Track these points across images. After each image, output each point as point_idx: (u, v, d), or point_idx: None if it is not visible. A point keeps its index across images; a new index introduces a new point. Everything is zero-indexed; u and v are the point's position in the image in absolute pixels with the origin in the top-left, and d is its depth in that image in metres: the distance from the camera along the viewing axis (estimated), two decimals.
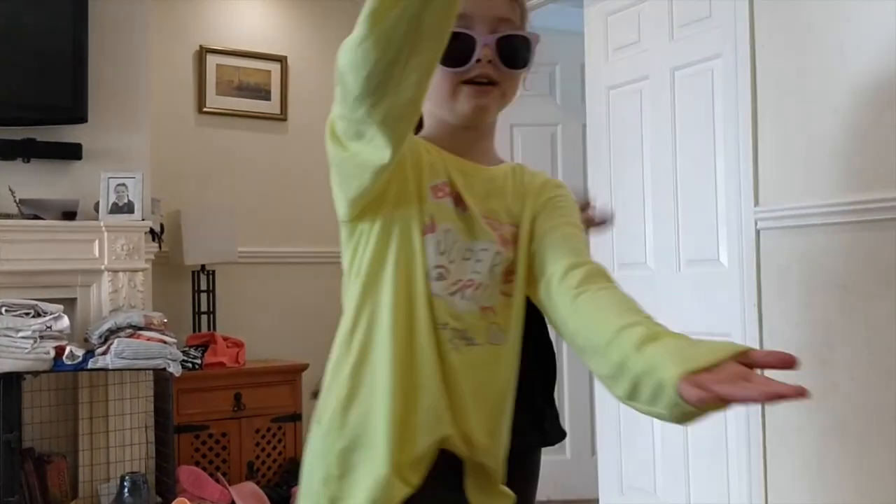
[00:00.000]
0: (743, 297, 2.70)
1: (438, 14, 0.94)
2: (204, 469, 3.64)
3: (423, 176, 1.14)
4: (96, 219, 3.47)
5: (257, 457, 3.81)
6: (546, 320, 1.19)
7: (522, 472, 2.10)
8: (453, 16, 0.97)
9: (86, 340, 3.34)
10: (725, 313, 2.78)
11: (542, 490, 2.27)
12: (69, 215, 3.42)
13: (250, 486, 3.60)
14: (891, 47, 2.29)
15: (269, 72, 4.47)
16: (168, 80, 4.18)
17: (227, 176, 4.34)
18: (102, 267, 3.47)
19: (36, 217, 3.38)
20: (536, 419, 2.06)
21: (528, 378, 2.05)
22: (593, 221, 1.89)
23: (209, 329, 4.11)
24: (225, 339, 3.98)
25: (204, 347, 3.90)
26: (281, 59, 4.48)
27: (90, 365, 3.16)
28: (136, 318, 3.30)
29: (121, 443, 3.47)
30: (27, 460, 3.25)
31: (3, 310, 3.07)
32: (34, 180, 3.48)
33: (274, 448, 3.86)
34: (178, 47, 4.27)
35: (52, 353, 3.10)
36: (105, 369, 3.20)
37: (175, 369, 3.26)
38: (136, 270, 3.53)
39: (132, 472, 3.37)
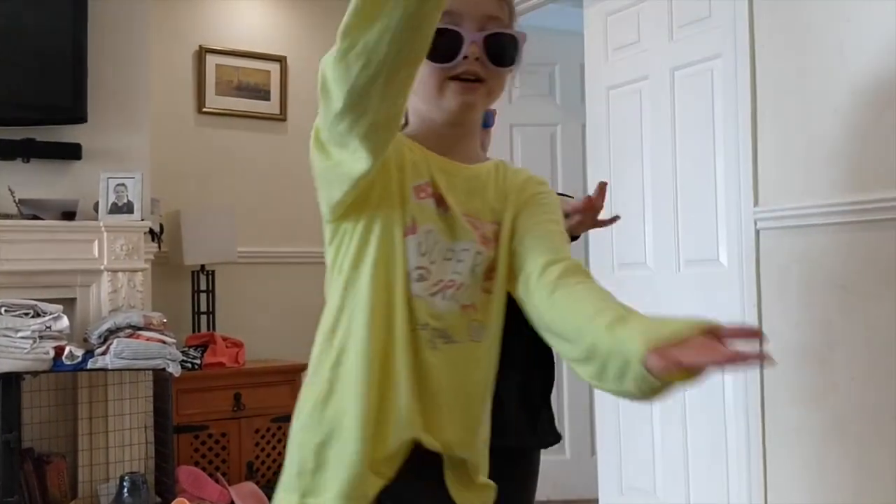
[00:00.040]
0: (742, 297, 2.70)
1: (419, 34, 0.96)
2: (203, 469, 3.64)
3: (405, 176, 1.15)
4: (96, 219, 3.47)
5: (257, 457, 3.81)
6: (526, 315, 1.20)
7: (521, 471, 2.10)
8: (431, 35, 0.99)
9: (85, 340, 3.34)
10: (725, 313, 2.78)
11: (542, 490, 2.27)
12: (69, 215, 3.42)
13: (250, 487, 3.60)
14: (891, 47, 2.29)
15: (268, 72, 4.47)
16: (168, 80, 4.18)
17: (227, 176, 4.34)
18: (102, 267, 3.47)
19: (35, 217, 3.38)
20: (533, 421, 2.06)
21: (528, 379, 2.05)
22: (595, 219, 1.86)
23: (209, 329, 4.11)
24: (224, 339, 3.98)
25: (203, 347, 3.90)
26: (280, 60, 4.48)
27: (90, 365, 3.16)
28: (136, 318, 3.30)
29: (120, 443, 3.47)
30: (26, 460, 3.25)
31: (3, 310, 3.07)
32: (34, 180, 3.48)
33: (273, 448, 3.86)
34: (177, 47, 4.27)
35: (52, 354, 3.10)
36: (104, 369, 3.20)
37: (174, 369, 3.26)
38: (135, 270, 3.53)
39: (132, 473, 3.36)
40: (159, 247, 3.83)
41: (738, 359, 0.82)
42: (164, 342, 3.26)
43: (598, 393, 3.40)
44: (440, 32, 1.03)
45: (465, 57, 1.12)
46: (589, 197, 1.78)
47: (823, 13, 2.47)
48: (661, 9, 3.06)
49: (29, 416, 3.29)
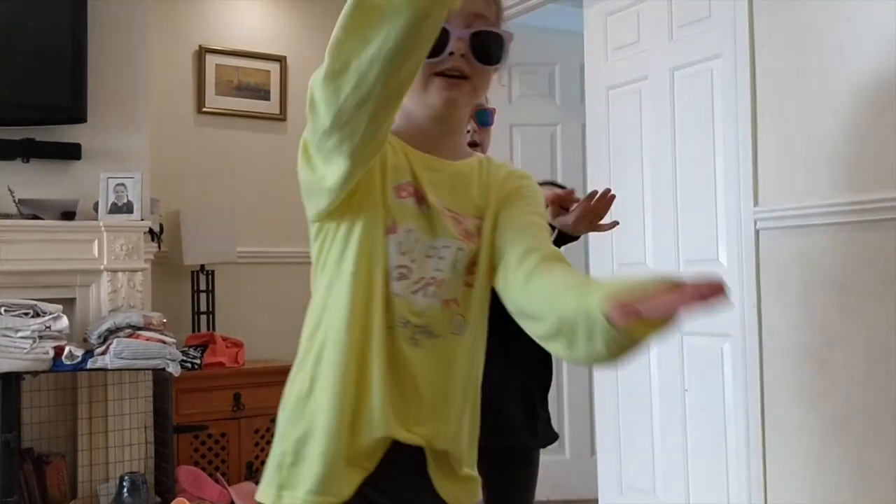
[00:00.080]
0: (742, 296, 2.70)
1: (411, 60, 0.97)
2: (203, 469, 3.64)
3: (387, 176, 1.17)
4: (95, 219, 3.47)
5: (256, 457, 3.81)
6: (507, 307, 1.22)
7: (521, 471, 2.10)
8: (421, 62, 1.01)
9: (85, 340, 3.34)
10: (725, 313, 2.78)
11: (542, 490, 2.27)
12: (68, 215, 3.42)
13: (249, 487, 3.59)
14: (891, 47, 2.29)
15: (268, 72, 4.47)
16: (167, 80, 4.18)
17: (227, 176, 4.34)
18: (101, 267, 3.47)
19: (35, 217, 3.38)
20: (533, 421, 2.07)
21: (526, 380, 2.06)
22: (594, 222, 1.85)
23: (208, 329, 4.11)
24: (224, 339, 3.98)
25: (203, 347, 3.90)
26: (280, 59, 4.48)
27: (89, 365, 3.16)
28: (136, 318, 3.30)
29: (120, 443, 3.47)
30: (26, 460, 3.25)
31: (3, 310, 3.07)
32: (33, 180, 3.48)
33: None
34: (177, 47, 4.27)
35: (52, 353, 3.10)
36: (104, 369, 3.20)
37: (174, 369, 3.26)
38: (135, 270, 3.53)
39: (131, 473, 3.36)
40: (159, 247, 3.83)
41: (697, 296, 0.83)
42: (163, 342, 3.26)
43: (598, 393, 3.40)
44: None
45: (451, 53, 1.13)
46: (591, 196, 1.78)
47: (823, 13, 2.47)
48: (661, 9, 3.06)
49: (28, 416, 3.29)
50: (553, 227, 1.80)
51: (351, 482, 1.14)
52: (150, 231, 3.68)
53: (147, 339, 3.23)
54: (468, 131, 1.88)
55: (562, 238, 1.82)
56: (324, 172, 1.07)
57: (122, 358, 3.16)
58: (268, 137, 4.45)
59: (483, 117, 1.91)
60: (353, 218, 1.14)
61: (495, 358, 2.00)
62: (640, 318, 0.86)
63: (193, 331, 4.10)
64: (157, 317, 3.38)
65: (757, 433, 2.65)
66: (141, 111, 3.75)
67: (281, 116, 4.47)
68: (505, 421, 2.02)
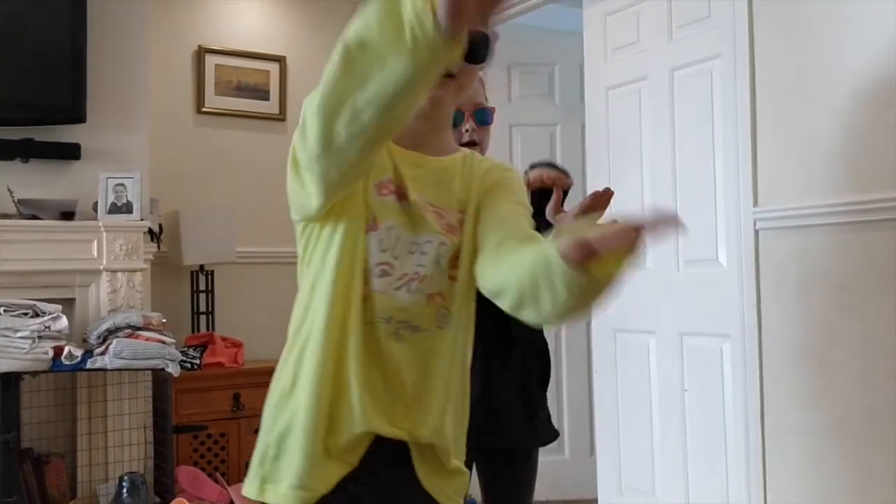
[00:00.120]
0: (742, 297, 2.70)
1: (407, 105, 0.99)
2: (202, 469, 3.64)
3: (368, 174, 1.18)
4: (95, 219, 3.47)
5: None
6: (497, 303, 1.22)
7: (520, 471, 2.10)
8: (418, 102, 1.03)
9: (84, 340, 3.34)
10: (724, 313, 2.78)
11: (541, 490, 2.27)
12: (68, 215, 3.42)
13: None
14: (890, 47, 2.29)
15: (267, 72, 4.47)
16: (167, 80, 4.18)
17: (226, 176, 4.34)
18: (101, 267, 3.47)
19: (34, 217, 3.38)
20: (531, 419, 2.07)
21: (525, 379, 2.06)
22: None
23: (208, 329, 4.11)
24: (224, 339, 3.98)
25: (203, 348, 3.90)
26: (280, 60, 4.48)
27: (89, 365, 3.16)
28: (135, 318, 3.30)
29: (119, 443, 3.47)
30: (25, 460, 3.25)
31: (2, 310, 3.07)
32: (33, 180, 3.48)
33: None
34: (176, 47, 4.26)
35: (51, 354, 3.10)
36: (104, 369, 3.20)
37: (174, 369, 3.26)
38: (134, 270, 3.53)
39: (131, 473, 3.36)
40: (158, 247, 3.83)
41: (654, 222, 0.83)
42: (163, 342, 3.26)
43: (597, 393, 3.40)
44: None
45: None
46: (592, 197, 1.76)
47: (823, 13, 2.47)
48: (661, 9, 3.06)
49: (28, 416, 3.29)
50: (551, 228, 1.79)
51: (332, 476, 1.16)
52: (150, 231, 3.68)
53: (146, 340, 3.23)
54: (466, 130, 1.88)
55: None
56: (311, 190, 1.09)
57: (121, 358, 3.16)
58: (267, 137, 4.44)
59: (482, 116, 1.91)
60: (336, 218, 1.16)
61: (494, 358, 2.01)
62: (596, 254, 0.85)
63: (193, 331, 4.10)
64: (156, 317, 3.38)
65: (756, 433, 2.65)
66: (140, 111, 3.75)
67: (280, 116, 4.46)
68: (504, 421, 2.02)
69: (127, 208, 3.49)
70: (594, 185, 3.37)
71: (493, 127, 1.98)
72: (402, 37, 0.89)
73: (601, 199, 1.78)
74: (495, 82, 3.49)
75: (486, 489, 2.12)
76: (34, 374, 3.16)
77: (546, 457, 2.24)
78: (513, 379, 2.03)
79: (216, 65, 4.35)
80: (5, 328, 3.03)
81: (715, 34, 2.83)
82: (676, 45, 3.01)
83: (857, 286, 2.38)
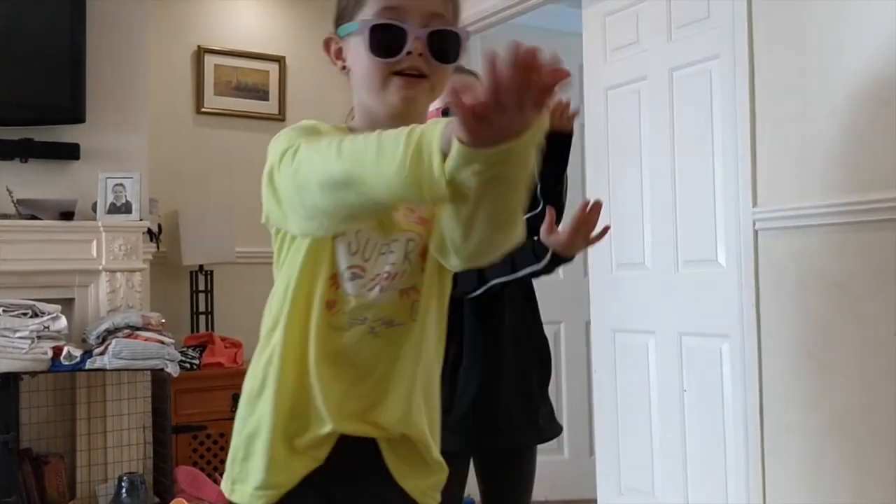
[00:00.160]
0: (741, 297, 2.70)
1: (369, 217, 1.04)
2: (202, 469, 3.64)
3: None
4: (94, 219, 3.47)
5: None
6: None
7: (518, 471, 2.10)
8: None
9: (83, 341, 3.34)
10: (723, 313, 2.78)
11: (540, 490, 2.27)
12: (67, 215, 3.42)
13: None
14: (889, 47, 2.29)
15: (267, 72, 4.47)
16: (166, 80, 4.18)
17: (225, 176, 4.34)
18: (100, 267, 3.47)
19: (33, 217, 3.38)
20: (533, 417, 2.07)
21: (525, 379, 2.06)
22: (588, 236, 1.80)
23: (207, 329, 4.11)
24: (223, 339, 3.98)
25: (202, 348, 3.90)
26: (279, 60, 4.49)
27: (88, 365, 3.16)
28: (134, 318, 3.30)
29: (118, 443, 3.47)
30: (25, 461, 3.25)
31: (1, 310, 3.07)
32: (32, 180, 3.48)
33: None
34: (176, 47, 4.26)
35: (50, 354, 3.10)
36: (103, 370, 3.20)
37: (173, 370, 3.26)
38: (133, 271, 3.53)
39: (130, 473, 3.36)
40: (158, 247, 3.83)
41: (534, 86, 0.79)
42: (162, 342, 3.26)
43: (597, 393, 3.40)
44: (385, 28, 1.11)
45: (409, 52, 1.14)
46: (582, 213, 1.76)
47: (822, 14, 2.47)
48: (660, 9, 3.06)
49: (27, 417, 3.29)
50: (546, 249, 1.79)
51: (298, 471, 1.18)
52: (149, 231, 3.68)
53: (146, 340, 3.23)
54: None
55: (555, 260, 1.82)
56: (292, 220, 1.10)
57: (120, 358, 3.16)
58: (266, 138, 4.31)
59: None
60: None
61: (486, 358, 2.01)
62: (472, 113, 0.81)
63: (192, 331, 4.10)
64: (155, 317, 3.38)
65: (755, 433, 2.65)
66: (139, 111, 3.75)
67: (280, 116, 4.46)
68: (504, 421, 2.02)
69: (126, 208, 3.49)
70: (594, 185, 3.37)
71: None
72: (413, 185, 0.89)
73: (592, 213, 1.78)
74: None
75: (485, 489, 2.12)
76: (33, 374, 3.16)
77: (545, 457, 2.24)
78: (511, 379, 2.03)
79: (215, 65, 4.35)
80: (4, 328, 3.03)
81: (714, 34, 2.83)
82: (676, 46, 3.01)
83: (856, 286, 2.38)
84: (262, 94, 4.45)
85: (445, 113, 1.92)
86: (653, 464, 3.11)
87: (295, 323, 1.17)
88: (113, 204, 3.47)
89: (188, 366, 3.72)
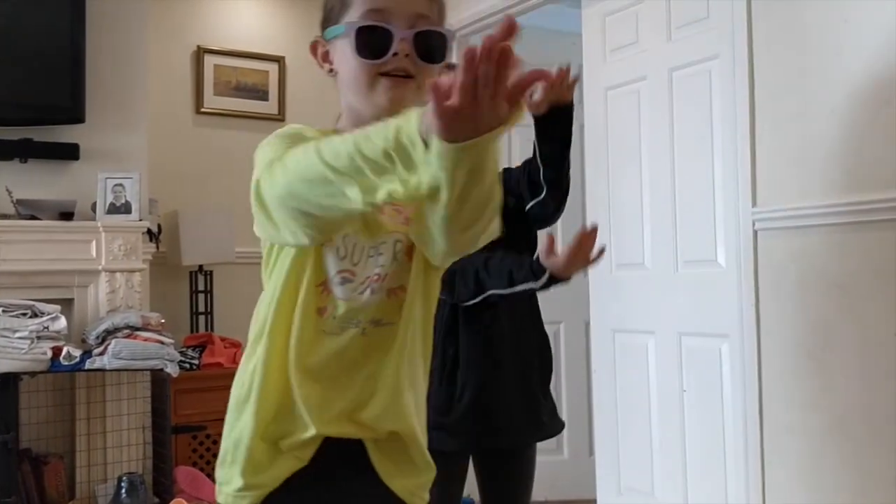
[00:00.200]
0: (740, 297, 2.70)
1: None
2: (201, 470, 3.64)
3: None
4: (93, 219, 3.47)
5: None
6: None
7: (518, 471, 2.11)
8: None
9: (83, 341, 3.34)
10: (723, 314, 2.78)
11: (540, 490, 2.27)
12: (66, 216, 3.42)
13: None
14: (888, 47, 2.29)
15: (266, 72, 4.47)
16: (165, 80, 4.18)
17: (225, 176, 4.33)
18: (100, 267, 3.47)
19: (33, 217, 3.38)
20: (534, 415, 2.07)
21: (526, 374, 2.06)
22: (587, 258, 1.81)
23: (207, 329, 4.11)
24: (222, 339, 3.98)
25: (201, 348, 3.90)
26: (278, 60, 4.48)
27: (87, 365, 3.16)
28: (134, 318, 3.30)
29: (118, 443, 3.47)
30: (24, 461, 3.25)
31: (1, 310, 3.07)
32: (31, 180, 3.48)
33: None
34: (175, 47, 4.26)
35: (49, 354, 3.10)
36: (102, 370, 3.20)
37: (172, 370, 3.26)
38: (133, 271, 3.53)
39: (129, 473, 3.36)
40: (157, 247, 3.83)
41: (491, 40, 0.80)
42: (162, 342, 3.26)
43: (596, 393, 3.40)
44: (371, 29, 1.12)
45: (395, 54, 1.14)
46: (581, 236, 1.77)
47: (821, 14, 2.47)
48: (660, 9, 3.06)
49: (27, 417, 3.29)
50: (544, 270, 1.80)
51: (282, 472, 1.19)
52: (149, 231, 3.68)
53: (145, 340, 3.23)
54: None
55: (552, 280, 1.82)
56: (283, 232, 1.10)
57: (120, 358, 3.16)
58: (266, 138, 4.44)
59: None
60: None
61: (488, 359, 2.01)
62: (455, 112, 0.81)
63: (192, 331, 4.10)
64: (155, 317, 3.38)
65: (755, 433, 2.65)
66: (139, 111, 3.75)
67: (279, 117, 4.46)
68: (503, 421, 2.02)
69: (126, 208, 3.49)
70: (594, 186, 3.37)
71: None
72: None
73: (589, 237, 1.79)
74: None
75: (485, 489, 2.12)
76: (33, 374, 3.16)
77: (545, 457, 2.24)
78: (511, 378, 2.03)
79: (215, 65, 4.35)
80: (4, 328, 3.03)
81: (714, 34, 2.83)
82: (675, 46, 3.02)
83: (855, 286, 2.38)
84: (262, 95, 4.45)
85: None
86: (652, 464, 3.11)
87: (281, 330, 1.17)
88: (112, 204, 3.47)
89: (188, 366, 3.72)
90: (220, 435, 1.25)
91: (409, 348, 1.22)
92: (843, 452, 2.42)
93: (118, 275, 3.49)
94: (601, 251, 1.79)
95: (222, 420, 1.25)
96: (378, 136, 0.90)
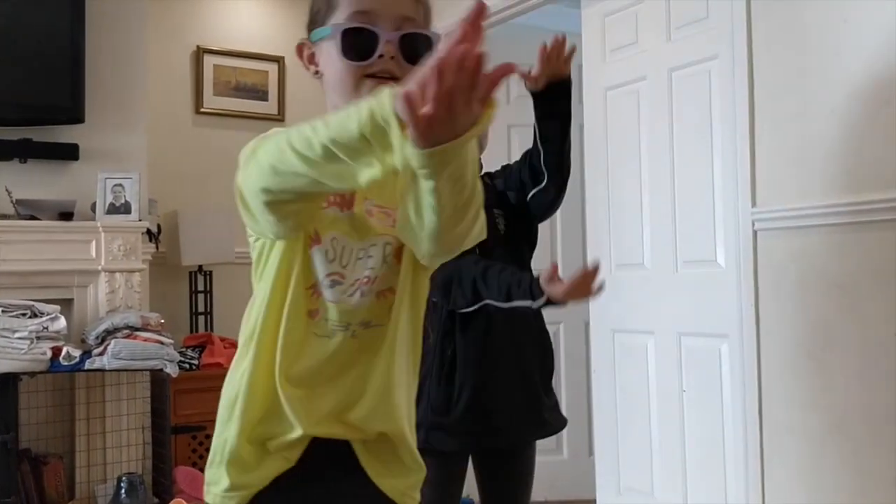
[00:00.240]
0: (740, 297, 2.70)
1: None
2: (201, 470, 3.64)
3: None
4: (93, 219, 3.47)
5: None
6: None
7: (517, 471, 2.11)
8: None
9: (83, 341, 3.34)
10: (722, 314, 2.78)
11: (539, 490, 2.27)
12: (66, 216, 3.42)
13: None
14: (888, 47, 2.29)
15: (266, 72, 4.47)
16: (165, 80, 4.18)
17: (225, 176, 4.28)
18: (99, 267, 3.47)
19: (33, 217, 3.38)
20: (536, 413, 2.07)
21: (527, 372, 2.06)
22: (588, 290, 1.82)
23: (206, 330, 4.11)
24: (222, 339, 3.98)
25: (201, 348, 3.90)
26: (278, 60, 4.48)
27: (87, 366, 3.16)
28: (133, 318, 3.30)
29: (118, 444, 3.47)
30: (24, 461, 3.25)
31: (0, 310, 3.07)
32: (31, 181, 3.48)
33: None
34: (175, 48, 4.26)
35: (49, 354, 3.10)
36: (102, 370, 3.20)
37: (172, 370, 3.26)
38: (133, 271, 3.53)
39: (129, 473, 3.36)
40: (157, 247, 3.83)
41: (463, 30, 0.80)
42: (161, 343, 3.26)
43: (596, 393, 3.40)
44: (357, 31, 1.12)
45: (381, 56, 1.14)
46: (585, 272, 1.79)
47: (821, 14, 2.47)
48: (659, 10, 3.06)
49: (26, 417, 3.29)
50: (542, 293, 1.81)
51: (269, 472, 1.19)
52: (148, 231, 3.68)
53: (145, 340, 3.23)
54: None
55: (549, 302, 1.83)
56: (263, 224, 1.13)
57: (119, 359, 3.16)
58: None
59: None
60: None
61: (487, 359, 2.01)
62: (429, 120, 0.81)
63: (191, 331, 4.10)
64: (154, 317, 3.38)
65: (755, 433, 2.65)
66: (139, 111, 3.75)
67: (279, 117, 4.46)
68: (503, 421, 2.02)
69: (125, 209, 3.49)
70: (593, 186, 3.37)
71: (491, 127, 1.98)
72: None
73: (591, 274, 1.80)
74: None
75: (485, 489, 2.12)
76: (32, 374, 3.16)
77: (544, 457, 2.24)
78: (511, 377, 2.03)
79: (214, 65, 4.35)
80: (3, 329, 3.03)
81: (713, 35, 2.83)
82: (675, 46, 3.02)
83: (855, 286, 2.38)
84: (262, 95, 4.45)
85: None
86: (652, 464, 3.11)
87: (270, 333, 1.17)
88: (112, 204, 3.47)
89: (187, 366, 3.72)
90: None
91: (398, 349, 1.22)
92: (843, 452, 2.42)
93: (118, 275, 3.49)
94: (601, 287, 1.81)
95: None
96: (351, 119, 0.90)
